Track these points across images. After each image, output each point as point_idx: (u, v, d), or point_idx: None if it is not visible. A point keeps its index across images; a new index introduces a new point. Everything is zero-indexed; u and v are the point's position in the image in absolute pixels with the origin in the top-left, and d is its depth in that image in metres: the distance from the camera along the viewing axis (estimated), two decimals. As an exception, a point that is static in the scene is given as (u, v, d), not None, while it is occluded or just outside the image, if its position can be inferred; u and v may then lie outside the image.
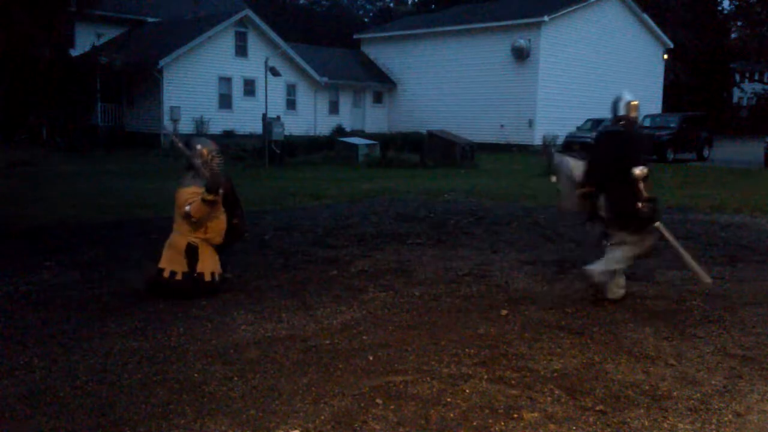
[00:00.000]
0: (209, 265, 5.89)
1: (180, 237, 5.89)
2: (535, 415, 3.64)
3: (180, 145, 6.17)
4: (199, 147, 6.01)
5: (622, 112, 6.08)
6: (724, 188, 15.56)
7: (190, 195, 5.82)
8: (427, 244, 8.55)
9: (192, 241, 5.84)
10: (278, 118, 23.29)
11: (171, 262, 5.88)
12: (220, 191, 5.88)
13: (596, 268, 5.82)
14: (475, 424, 3.54)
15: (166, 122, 6.50)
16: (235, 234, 6.21)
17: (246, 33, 30.09)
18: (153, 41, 29.32)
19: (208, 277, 5.87)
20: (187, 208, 5.75)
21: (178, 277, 5.82)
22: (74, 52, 29.41)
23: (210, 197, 5.79)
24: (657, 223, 5.91)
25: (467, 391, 3.95)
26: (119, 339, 4.82)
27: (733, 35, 55.42)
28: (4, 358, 4.43)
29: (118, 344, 4.71)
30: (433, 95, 34.57)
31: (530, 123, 31.41)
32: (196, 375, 4.17)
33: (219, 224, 5.96)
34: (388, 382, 4.06)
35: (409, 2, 60.15)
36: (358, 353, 4.57)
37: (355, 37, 39.85)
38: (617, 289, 5.96)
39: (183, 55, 28.01)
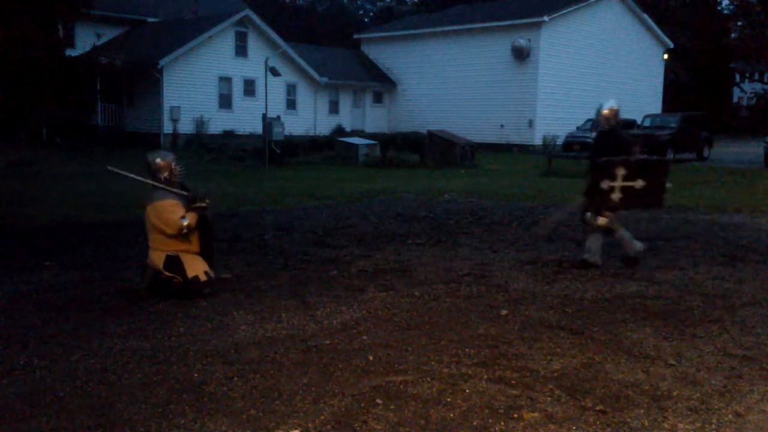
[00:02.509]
0: (198, 267, 5.89)
1: (157, 253, 5.88)
2: (535, 415, 3.64)
3: (125, 173, 6.23)
4: (158, 161, 6.01)
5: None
6: (724, 188, 15.56)
7: (173, 207, 5.80)
8: (427, 244, 8.55)
9: (170, 253, 5.84)
10: (278, 118, 23.29)
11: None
12: (206, 195, 6.03)
13: (638, 246, 7.37)
14: (475, 424, 3.54)
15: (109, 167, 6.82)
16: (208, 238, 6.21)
17: (246, 33, 30.08)
18: (153, 41, 29.32)
19: (203, 277, 5.87)
20: (185, 222, 5.76)
21: (177, 278, 5.83)
22: (74, 52, 29.42)
23: (204, 204, 5.90)
24: None
25: (467, 391, 3.95)
26: (119, 339, 4.82)
27: (733, 35, 55.41)
28: (4, 358, 4.43)
29: (118, 344, 4.71)
30: (433, 95, 34.57)
31: (530, 123, 31.39)
32: (196, 375, 4.17)
33: (195, 234, 5.99)
34: (388, 382, 4.06)
35: (410, 2, 60.12)
36: (358, 353, 4.57)
37: (355, 37, 39.84)
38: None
39: (183, 55, 28.01)
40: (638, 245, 7.38)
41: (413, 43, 35.81)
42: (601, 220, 7.09)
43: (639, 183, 6.98)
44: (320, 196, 13.35)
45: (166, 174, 5.97)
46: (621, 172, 6.95)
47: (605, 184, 6.98)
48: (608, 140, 7.41)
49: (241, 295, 6.02)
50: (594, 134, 23.41)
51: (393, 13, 56.70)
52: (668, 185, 7.21)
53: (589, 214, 7.24)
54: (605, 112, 7.42)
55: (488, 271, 7.10)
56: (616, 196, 6.99)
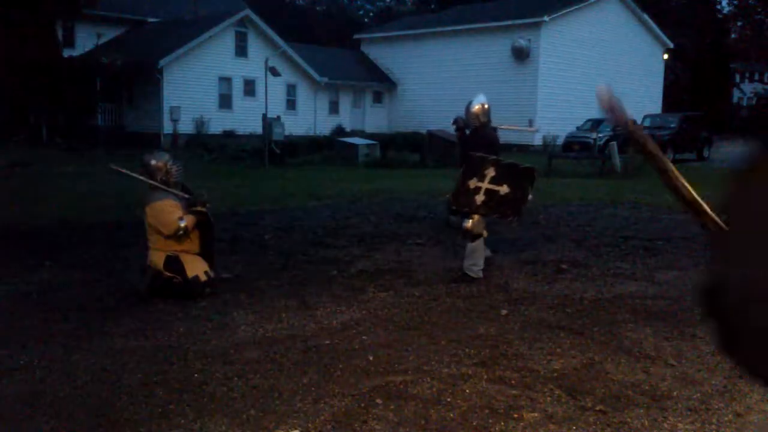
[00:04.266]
0: (198, 267, 5.89)
1: (158, 253, 5.88)
2: (535, 415, 3.64)
3: (128, 172, 6.23)
4: (153, 162, 6.00)
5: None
6: (724, 188, 15.53)
7: (171, 208, 5.80)
8: (427, 244, 8.54)
9: (170, 253, 5.84)
10: (278, 118, 23.28)
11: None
12: (206, 200, 6.04)
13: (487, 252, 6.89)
14: (475, 424, 3.54)
15: (112, 166, 6.99)
16: (208, 234, 6.19)
17: (246, 33, 30.07)
18: (153, 41, 29.31)
19: (203, 277, 5.88)
20: (183, 223, 5.76)
21: (177, 278, 5.83)
22: (74, 52, 29.48)
23: (204, 209, 5.92)
24: None
25: (467, 391, 3.95)
26: (119, 339, 4.82)
27: (733, 35, 55.44)
28: (4, 358, 4.43)
29: (118, 344, 4.71)
30: (434, 95, 34.54)
31: (530, 123, 31.38)
32: (196, 375, 4.17)
33: (196, 233, 5.99)
34: (388, 382, 4.06)
35: (409, 2, 60.11)
36: (358, 353, 4.57)
37: (355, 37, 39.82)
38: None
39: (183, 55, 28.00)
40: (480, 273, 6.70)
41: (413, 43, 35.80)
42: (469, 223, 6.55)
43: (504, 189, 6.45)
44: (320, 196, 13.35)
45: (162, 175, 5.96)
46: (490, 173, 6.46)
47: (472, 183, 6.48)
48: (478, 138, 6.98)
49: (241, 295, 6.02)
50: (596, 134, 23.27)
51: (393, 13, 56.69)
52: (530, 197, 6.62)
53: (453, 218, 6.65)
54: (475, 108, 7.08)
55: (488, 271, 7.09)
56: (479, 198, 6.48)
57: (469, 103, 7.26)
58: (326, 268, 7.11)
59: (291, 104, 32.10)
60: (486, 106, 7.13)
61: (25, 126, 25.36)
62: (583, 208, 12.00)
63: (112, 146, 26.33)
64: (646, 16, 36.30)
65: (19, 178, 16.00)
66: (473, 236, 6.56)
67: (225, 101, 29.78)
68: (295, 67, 31.81)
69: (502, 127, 8.39)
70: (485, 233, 6.61)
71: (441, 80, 34.24)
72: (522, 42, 31.16)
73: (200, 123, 28.24)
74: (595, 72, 33.37)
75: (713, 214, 1.37)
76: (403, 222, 10.29)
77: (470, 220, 6.50)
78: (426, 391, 3.94)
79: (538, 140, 29.86)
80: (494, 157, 6.61)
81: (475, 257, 6.57)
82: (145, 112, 28.49)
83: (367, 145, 23.51)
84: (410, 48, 35.88)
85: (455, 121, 7.68)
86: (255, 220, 10.44)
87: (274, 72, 23.41)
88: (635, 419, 3.61)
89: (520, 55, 31.35)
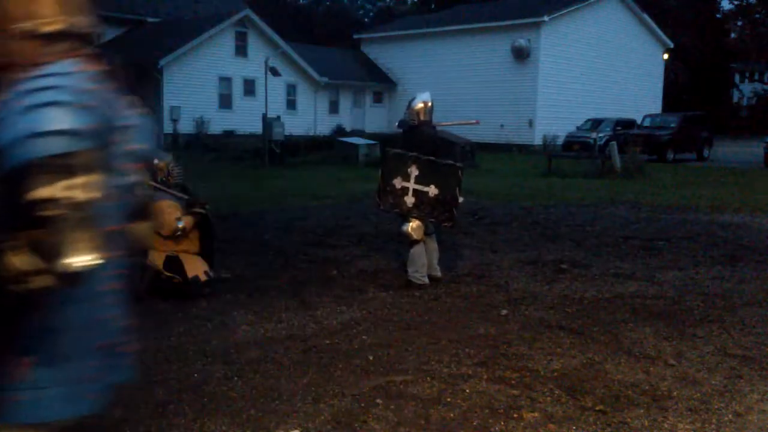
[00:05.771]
0: (198, 267, 5.90)
1: (157, 253, 5.87)
2: (535, 415, 3.64)
3: None
4: (155, 162, 6.00)
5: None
6: (724, 188, 15.56)
7: (170, 209, 5.81)
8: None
9: (170, 253, 5.84)
10: (278, 118, 23.28)
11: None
12: (205, 201, 6.08)
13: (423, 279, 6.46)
14: (475, 424, 3.54)
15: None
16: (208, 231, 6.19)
17: (246, 33, 30.07)
18: (153, 41, 29.31)
19: (203, 277, 5.88)
20: (181, 224, 5.78)
21: (177, 278, 5.82)
22: (74, 52, 29.48)
23: (203, 210, 5.93)
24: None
25: (467, 391, 3.95)
26: (119, 339, 4.82)
27: (732, 35, 55.47)
28: (4, 358, 4.43)
29: (118, 344, 4.71)
30: (434, 95, 34.27)
31: (530, 123, 31.40)
32: (195, 375, 4.17)
33: (195, 234, 6.00)
34: (388, 382, 4.06)
35: (409, 2, 60.13)
36: (358, 353, 4.57)
37: (355, 37, 39.84)
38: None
39: (183, 55, 28.00)
40: (425, 278, 6.43)
41: (413, 43, 35.81)
42: (409, 228, 6.23)
43: (432, 190, 6.16)
44: (320, 196, 13.35)
45: (163, 175, 5.98)
46: (413, 171, 6.18)
47: (398, 183, 6.20)
48: (414, 136, 6.69)
49: (241, 295, 6.02)
50: (596, 134, 23.26)
51: (393, 13, 56.71)
52: (461, 199, 6.29)
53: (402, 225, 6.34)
54: (418, 106, 6.79)
55: (488, 271, 7.10)
56: (409, 200, 6.20)
57: (412, 100, 6.96)
58: (326, 268, 7.11)
59: (291, 104, 32.11)
60: (429, 104, 6.84)
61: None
62: (583, 208, 12.00)
63: (112, 146, 26.33)
64: (646, 16, 36.31)
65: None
66: (411, 242, 6.33)
67: (225, 101, 29.78)
68: (295, 67, 31.83)
69: (442, 124, 8.08)
70: (423, 240, 6.36)
71: (441, 80, 34.24)
72: (522, 42, 31.16)
73: (200, 123, 28.23)
74: (595, 72, 33.40)
75: None
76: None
77: (409, 225, 6.24)
78: (426, 391, 3.94)
79: (538, 140, 29.88)
80: (413, 154, 6.28)
81: (416, 264, 6.39)
82: (145, 112, 28.47)
83: (367, 145, 23.50)
84: (410, 48, 35.89)
85: (400, 123, 7.42)
86: (255, 220, 10.44)
87: (274, 72, 23.40)
88: (635, 419, 3.61)
89: (520, 55, 31.36)
